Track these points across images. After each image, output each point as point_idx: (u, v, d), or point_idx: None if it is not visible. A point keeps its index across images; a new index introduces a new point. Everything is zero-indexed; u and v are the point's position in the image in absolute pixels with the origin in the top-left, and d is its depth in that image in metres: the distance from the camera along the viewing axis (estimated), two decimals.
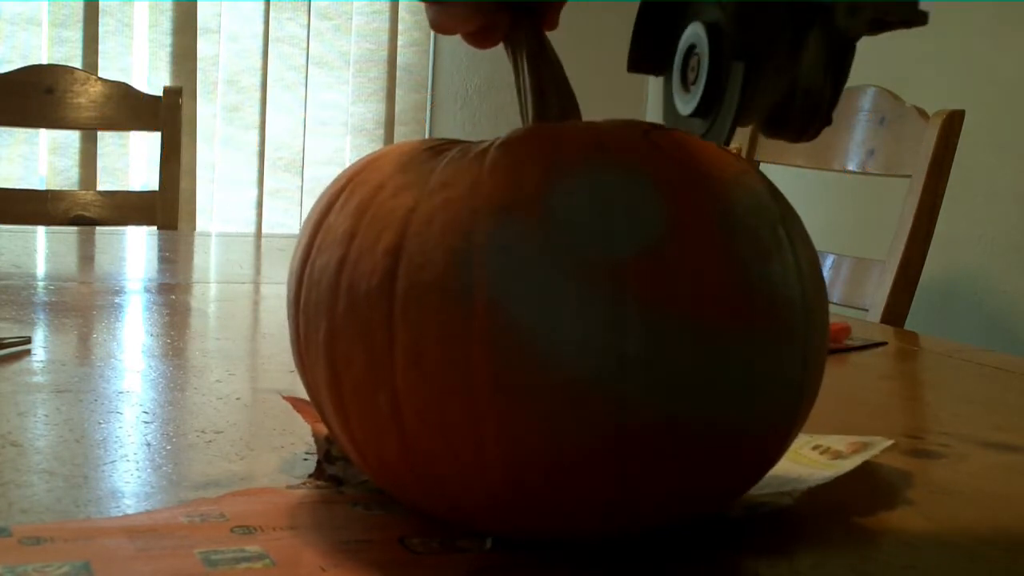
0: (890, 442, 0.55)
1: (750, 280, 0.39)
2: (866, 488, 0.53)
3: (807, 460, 0.53)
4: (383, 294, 0.40)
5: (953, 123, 1.39)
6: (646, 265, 0.38)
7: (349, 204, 0.43)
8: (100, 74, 2.41)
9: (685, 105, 0.47)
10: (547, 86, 0.47)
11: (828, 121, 0.46)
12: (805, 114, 0.45)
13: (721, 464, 0.41)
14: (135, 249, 1.55)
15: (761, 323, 0.39)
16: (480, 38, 0.48)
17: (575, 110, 0.47)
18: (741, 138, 1.67)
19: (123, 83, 1.96)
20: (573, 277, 0.38)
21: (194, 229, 2.68)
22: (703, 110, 0.45)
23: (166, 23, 2.66)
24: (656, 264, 0.38)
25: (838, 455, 0.53)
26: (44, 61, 2.50)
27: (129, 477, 0.51)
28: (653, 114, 2.96)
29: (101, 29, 2.60)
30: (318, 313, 0.42)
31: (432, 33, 2.91)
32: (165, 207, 1.88)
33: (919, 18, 0.44)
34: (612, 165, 0.40)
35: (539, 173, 0.40)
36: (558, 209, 0.39)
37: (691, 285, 0.38)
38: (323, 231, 0.44)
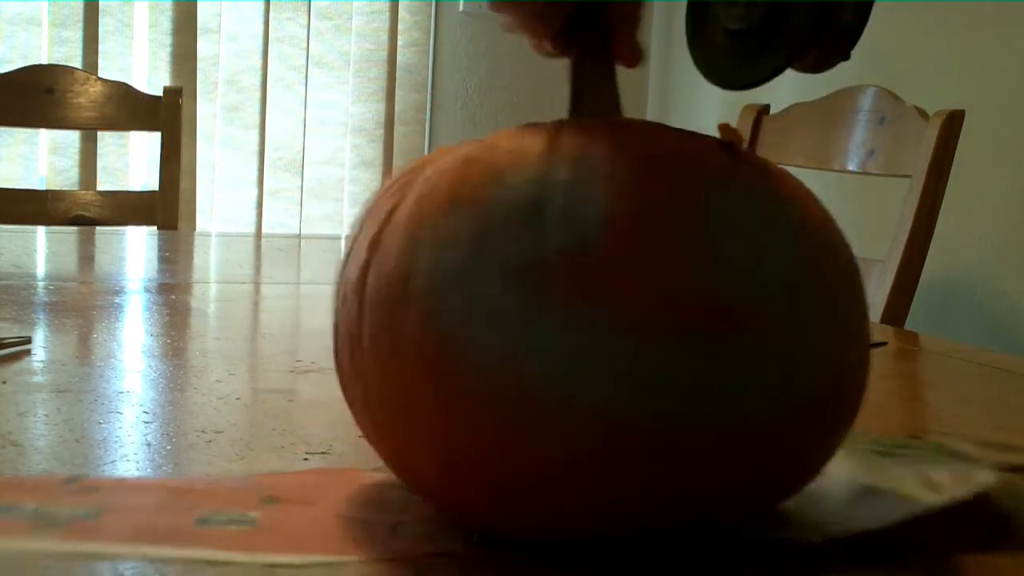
0: (995, 478, 0.51)
1: (700, 281, 0.38)
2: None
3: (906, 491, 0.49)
4: (360, 286, 0.42)
5: (953, 123, 1.39)
6: (571, 263, 0.37)
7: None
8: (100, 74, 2.41)
9: (736, 22, 0.46)
10: (585, 87, 0.46)
11: (847, 56, 0.46)
12: (834, 46, 0.45)
13: (672, 467, 0.39)
14: (135, 249, 1.55)
15: (710, 324, 0.38)
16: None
17: (614, 114, 0.46)
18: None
19: (123, 83, 1.96)
20: (495, 272, 0.38)
21: (194, 229, 2.68)
22: (761, 28, 0.45)
23: (166, 23, 2.66)
24: (583, 262, 0.37)
25: (937, 489, 0.49)
26: (44, 61, 2.50)
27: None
28: (653, 113, 2.96)
29: (101, 29, 2.60)
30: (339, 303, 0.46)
31: (432, 33, 2.91)
32: (165, 207, 1.88)
33: None
34: (562, 161, 0.40)
35: (488, 169, 0.40)
36: (496, 205, 0.39)
37: (617, 284, 0.37)
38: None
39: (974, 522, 0.48)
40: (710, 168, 0.41)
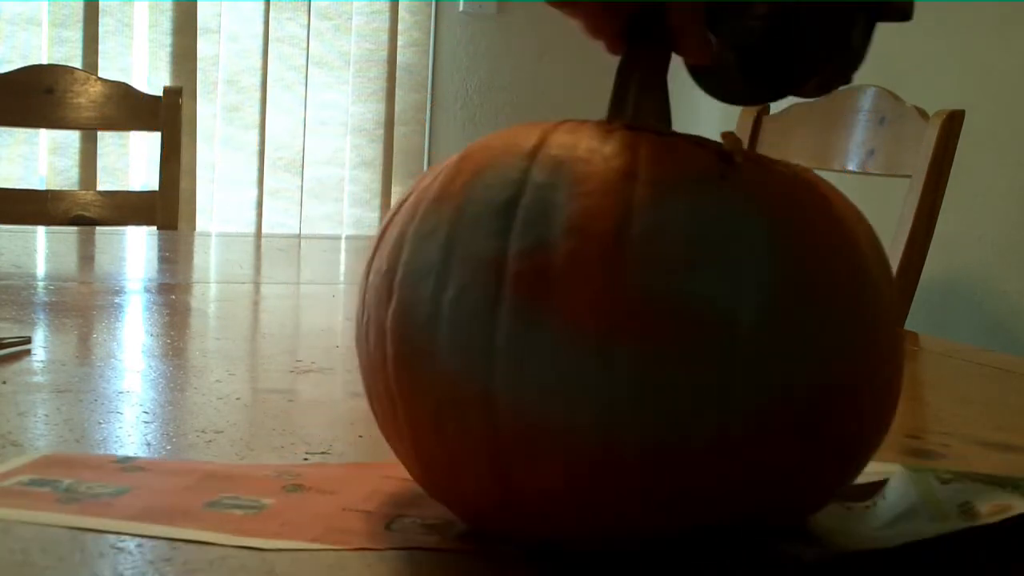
0: None
1: (647, 291, 0.37)
2: None
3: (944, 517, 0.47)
4: (365, 279, 0.44)
5: (953, 123, 1.39)
6: (530, 264, 0.38)
7: None
8: (100, 74, 2.41)
9: (744, 36, 0.46)
10: (627, 92, 0.46)
11: (849, 79, 0.47)
12: (839, 69, 0.46)
13: (622, 477, 0.38)
14: (135, 249, 1.55)
15: (653, 334, 0.37)
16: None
17: (660, 123, 0.45)
18: (742, 138, 1.67)
19: (123, 83, 1.96)
20: (462, 269, 0.39)
21: (194, 229, 2.68)
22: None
23: (166, 23, 2.66)
24: (540, 265, 0.38)
25: (974, 516, 0.47)
26: (44, 61, 2.50)
27: None
28: None
29: (101, 29, 2.60)
30: None
31: (432, 33, 2.91)
32: (165, 207, 1.88)
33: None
34: (543, 163, 0.40)
35: (475, 167, 0.41)
36: (473, 202, 0.40)
37: (570, 289, 0.37)
38: None
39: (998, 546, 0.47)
40: (690, 176, 0.40)
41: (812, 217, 0.41)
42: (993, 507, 0.48)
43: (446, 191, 0.41)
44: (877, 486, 0.49)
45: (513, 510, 0.40)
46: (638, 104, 0.45)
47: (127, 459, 0.52)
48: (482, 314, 0.38)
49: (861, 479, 0.47)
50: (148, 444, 0.56)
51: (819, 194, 0.42)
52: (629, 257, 0.37)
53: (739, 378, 0.38)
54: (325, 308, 1.09)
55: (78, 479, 0.49)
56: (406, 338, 0.40)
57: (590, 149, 0.40)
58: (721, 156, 0.41)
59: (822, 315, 0.39)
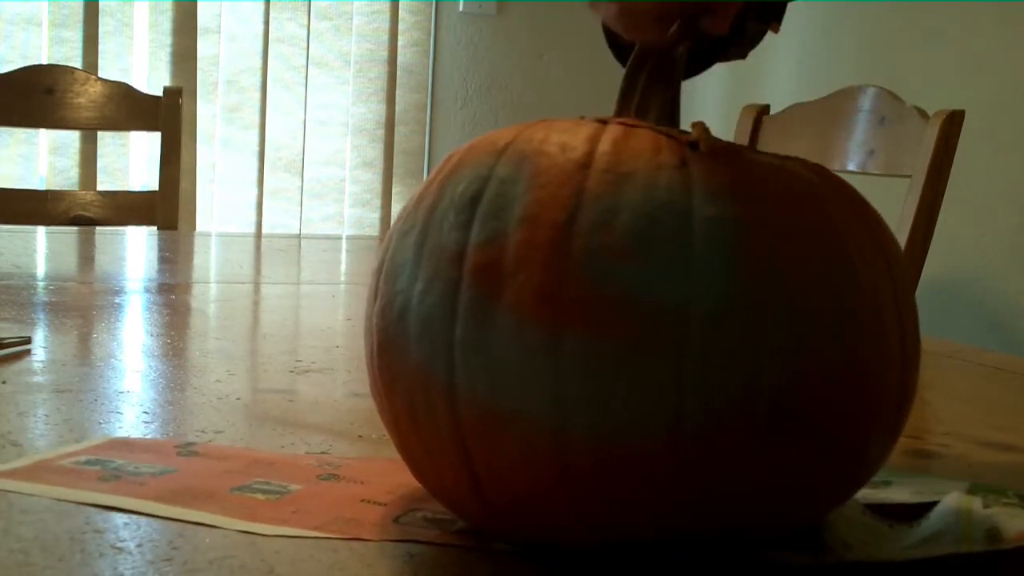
0: None
1: (595, 280, 0.37)
2: None
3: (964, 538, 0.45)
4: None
5: (953, 123, 1.39)
6: (485, 256, 0.38)
7: None
8: (100, 74, 2.41)
9: None
10: (635, 87, 0.46)
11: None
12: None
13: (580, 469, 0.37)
14: (135, 249, 1.55)
15: (600, 324, 0.37)
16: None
17: (664, 118, 0.45)
18: (742, 137, 1.67)
19: (123, 83, 1.96)
20: (427, 262, 0.40)
21: (194, 229, 2.68)
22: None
23: (166, 23, 2.66)
24: (495, 255, 0.38)
25: (998, 541, 0.45)
26: (44, 61, 2.50)
27: None
28: None
29: (101, 29, 2.60)
30: None
31: (432, 33, 2.90)
32: (165, 207, 1.88)
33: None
34: (510, 158, 0.40)
35: (454, 164, 0.42)
36: (445, 198, 0.41)
37: (521, 277, 0.37)
38: None
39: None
40: (647, 164, 0.39)
41: (783, 205, 0.39)
42: (1018, 533, 0.46)
43: (427, 189, 0.42)
44: (928, 507, 0.48)
45: (486, 506, 0.40)
46: (643, 99, 0.45)
47: (187, 444, 0.54)
48: (445, 305, 0.39)
49: (918, 498, 0.46)
50: None
51: (800, 183, 0.41)
52: (578, 246, 0.37)
53: (691, 373, 0.36)
54: (325, 308, 1.09)
55: (130, 460, 0.50)
56: (385, 331, 0.41)
57: (552, 142, 0.40)
58: (690, 146, 0.40)
59: (789, 308, 0.37)
